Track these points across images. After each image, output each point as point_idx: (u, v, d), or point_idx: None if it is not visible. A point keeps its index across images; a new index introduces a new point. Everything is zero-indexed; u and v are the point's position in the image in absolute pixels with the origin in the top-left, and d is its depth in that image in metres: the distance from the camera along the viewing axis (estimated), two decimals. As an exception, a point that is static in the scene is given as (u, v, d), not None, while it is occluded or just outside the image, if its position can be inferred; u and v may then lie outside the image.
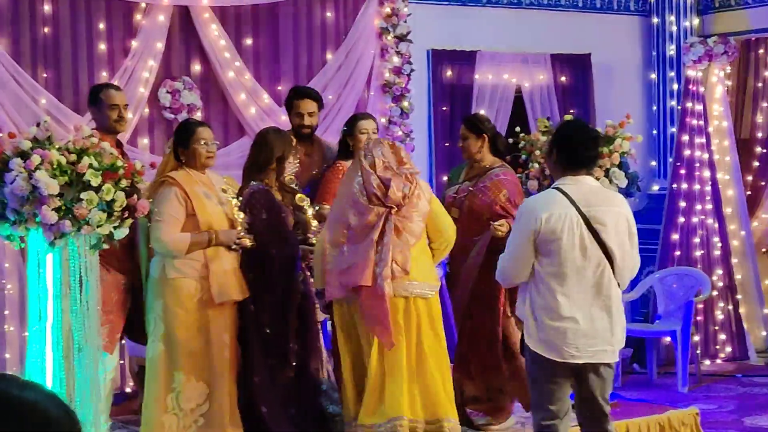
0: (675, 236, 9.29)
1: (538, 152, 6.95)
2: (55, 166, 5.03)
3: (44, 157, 5.02)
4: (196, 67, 7.81)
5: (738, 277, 9.52)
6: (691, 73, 9.40)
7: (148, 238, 5.70)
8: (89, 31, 7.43)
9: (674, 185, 9.38)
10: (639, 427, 6.68)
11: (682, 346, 8.34)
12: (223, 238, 5.58)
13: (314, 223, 6.10)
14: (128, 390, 7.38)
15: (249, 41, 7.98)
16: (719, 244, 9.38)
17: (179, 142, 5.70)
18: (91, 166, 5.09)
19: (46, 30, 7.31)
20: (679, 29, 9.79)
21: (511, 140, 7.19)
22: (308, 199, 6.14)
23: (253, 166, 5.93)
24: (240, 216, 5.70)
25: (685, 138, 9.39)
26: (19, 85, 7.14)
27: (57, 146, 5.14)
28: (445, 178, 8.88)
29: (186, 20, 7.72)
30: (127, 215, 5.26)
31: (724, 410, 7.78)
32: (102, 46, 7.47)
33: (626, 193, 7.11)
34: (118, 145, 6.10)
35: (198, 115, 7.64)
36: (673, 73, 9.85)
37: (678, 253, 9.28)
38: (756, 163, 9.93)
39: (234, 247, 5.63)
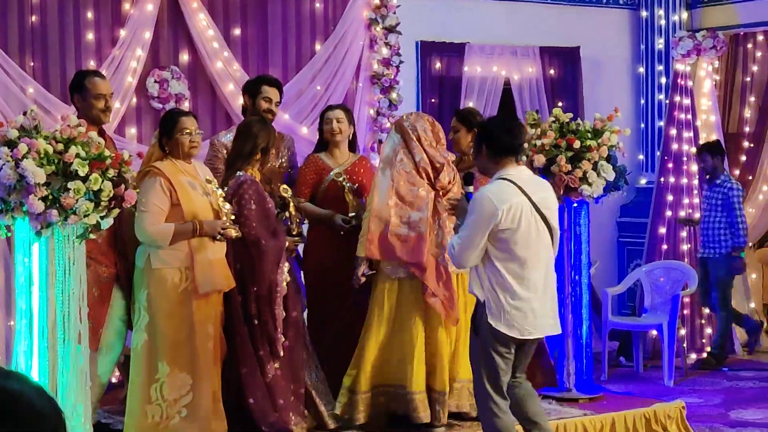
0: (662, 230, 9.31)
1: (526, 145, 6.93)
2: (42, 155, 5.00)
3: (31, 146, 5.00)
4: (185, 57, 7.78)
5: (724, 271, 9.53)
6: (679, 67, 9.42)
7: (137, 228, 5.68)
8: (77, 20, 7.39)
9: (662, 179, 9.40)
10: (625, 420, 6.70)
11: (669, 340, 8.37)
12: (207, 229, 5.56)
13: (296, 213, 6.13)
14: (114, 380, 7.36)
15: (237, 31, 7.96)
16: (706, 238, 9.40)
17: (163, 132, 5.69)
18: (78, 155, 5.06)
19: (33, 19, 7.27)
20: (668, 23, 9.80)
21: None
22: (291, 190, 6.15)
23: (238, 156, 5.91)
24: (225, 206, 5.69)
25: (673, 132, 9.40)
26: (7, 74, 7.10)
27: (44, 135, 5.11)
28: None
29: (174, 10, 7.68)
30: (114, 205, 5.24)
31: (709, 404, 7.81)
32: (90, 36, 7.43)
33: (614, 186, 7.12)
34: (101, 133, 6.06)
35: (186, 105, 7.61)
36: (661, 67, 9.87)
37: (665, 246, 9.30)
38: (743, 158, 9.96)
39: (219, 237, 5.61)
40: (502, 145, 5.16)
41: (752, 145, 9.93)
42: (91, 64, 7.34)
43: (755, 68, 9.94)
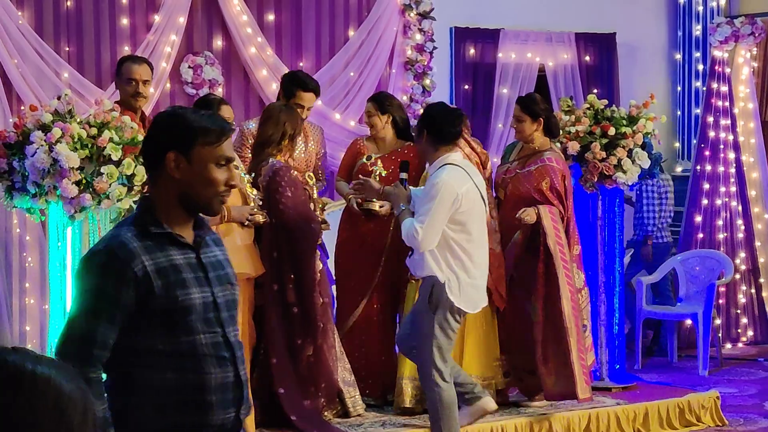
0: (698, 218, 9.22)
1: (560, 132, 6.88)
2: (75, 140, 5.03)
3: (65, 130, 5.02)
4: (218, 43, 7.79)
5: (761, 260, 9.44)
6: (717, 53, 9.31)
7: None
8: (112, 5, 7.41)
9: (698, 167, 9.30)
10: (658, 409, 6.65)
11: (704, 329, 8.29)
12: (235, 215, 5.55)
13: (325, 200, 6.16)
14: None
15: (271, 17, 7.95)
16: (743, 227, 9.31)
17: None
18: (111, 140, 5.09)
19: (69, 4, 7.29)
20: (706, 9, 9.68)
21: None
22: (314, 177, 6.15)
23: (267, 142, 5.88)
24: (253, 192, 5.68)
25: (710, 119, 9.31)
26: (42, 58, 7.14)
27: (78, 120, 5.14)
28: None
29: (208, -5, 7.69)
30: (147, 189, 5.25)
31: (745, 394, 7.73)
32: (124, 21, 7.45)
33: (649, 173, 7.06)
34: (142, 119, 6.08)
35: (219, 91, 7.62)
36: (698, 54, 9.76)
37: (701, 235, 9.22)
38: (781, 146, 9.83)
39: (247, 223, 5.60)
40: (444, 132, 5.41)
41: (790, 133, 9.80)
42: (126, 50, 7.36)
43: (794, 55, 9.80)
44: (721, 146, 9.28)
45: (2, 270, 6.95)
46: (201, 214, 2.91)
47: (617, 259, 7.23)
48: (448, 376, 5.46)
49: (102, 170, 5.06)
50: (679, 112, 9.93)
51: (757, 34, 9.35)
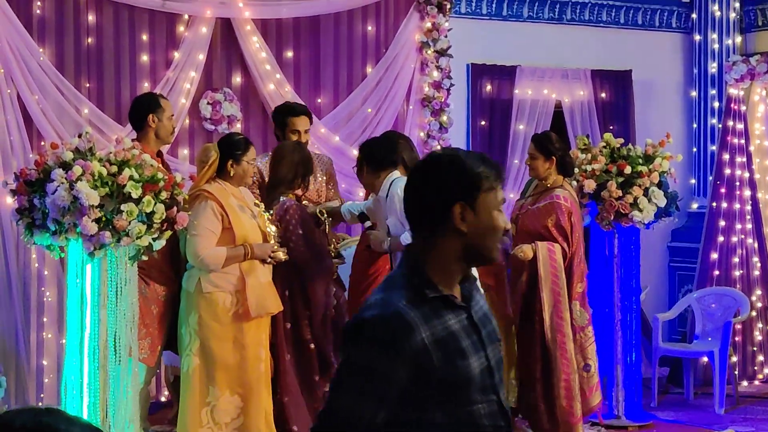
0: (714, 255, 9.21)
1: (577, 170, 6.91)
2: (96, 177, 5.07)
3: (86, 168, 5.07)
4: (237, 79, 7.86)
5: (777, 298, 9.41)
6: (733, 91, 9.32)
7: (188, 250, 5.73)
8: (132, 41, 7.50)
9: (714, 204, 9.30)
10: (674, 448, 6.63)
11: (720, 367, 8.26)
12: (258, 252, 5.58)
13: (342, 236, 6.21)
14: (163, 399, 7.42)
15: (290, 54, 8.02)
16: (759, 264, 9.29)
17: (232, 157, 5.68)
18: (131, 177, 5.13)
19: (89, 40, 7.38)
20: (722, 47, 9.71)
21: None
22: (326, 212, 6.19)
23: (280, 182, 5.92)
24: (272, 229, 5.71)
25: (726, 156, 9.31)
26: (62, 94, 7.21)
27: (98, 157, 5.19)
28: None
29: (228, 32, 7.77)
30: (166, 227, 5.29)
31: (761, 433, 7.69)
32: (145, 57, 7.53)
33: (665, 212, 7.07)
34: (159, 155, 6.15)
35: (238, 127, 7.68)
36: (714, 91, 9.78)
37: (717, 272, 9.19)
38: (798, 183, 9.82)
39: (269, 260, 5.64)
40: (380, 159, 5.89)
41: (807, 170, 9.79)
42: (146, 86, 7.43)
43: (810, 93, 9.80)
44: (737, 183, 9.27)
45: (21, 304, 7.00)
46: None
47: (633, 297, 7.23)
48: None
49: (122, 208, 5.10)
50: (695, 149, 9.94)
51: (773, 72, 9.37)
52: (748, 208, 9.31)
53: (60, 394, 5.59)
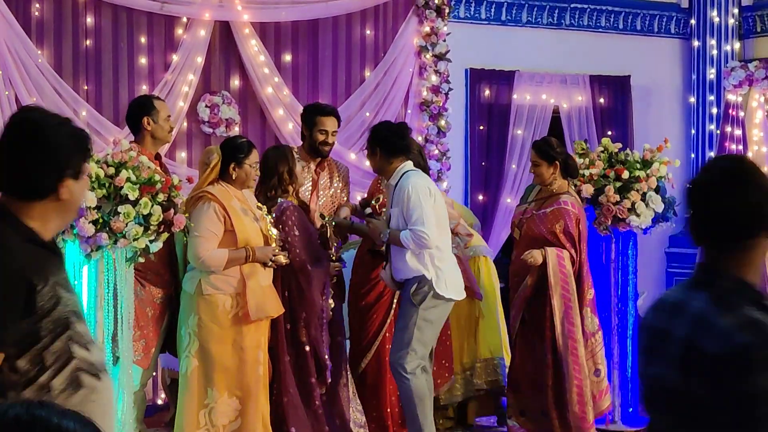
0: (711, 261, 9.21)
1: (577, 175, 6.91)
2: (93, 179, 5.07)
3: (83, 170, 5.06)
4: (235, 82, 7.86)
5: (775, 303, 9.41)
6: (731, 97, 9.33)
7: (185, 252, 5.72)
8: (131, 44, 7.50)
9: (712, 210, 9.29)
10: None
11: (717, 373, 8.25)
12: (259, 255, 5.59)
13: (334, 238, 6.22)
14: (159, 402, 7.41)
15: (288, 57, 8.02)
16: (756, 270, 9.28)
17: (235, 160, 5.68)
18: (128, 179, 5.13)
19: (87, 42, 7.38)
20: (720, 53, 9.72)
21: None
22: (327, 216, 6.20)
23: (272, 188, 5.95)
24: (274, 232, 5.71)
25: (724, 162, 9.30)
26: (60, 96, 7.21)
27: (96, 159, 5.19)
28: (481, 198, 8.90)
29: (226, 35, 7.77)
30: (163, 229, 5.29)
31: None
32: (143, 60, 7.53)
33: (663, 217, 7.07)
34: (157, 157, 6.14)
35: (236, 130, 7.68)
36: (712, 97, 9.78)
37: (714, 278, 9.19)
38: (795, 189, 9.81)
39: (270, 264, 5.63)
40: (395, 146, 5.98)
41: (804, 176, 9.78)
42: (144, 88, 7.43)
43: (808, 99, 9.81)
44: (735, 189, 9.27)
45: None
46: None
47: (630, 301, 7.23)
48: (414, 368, 5.86)
49: (119, 209, 5.10)
50: (693, 155, 9.94)
51: (771, 78, 9.38)
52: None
53: (56, 396, 5.57)
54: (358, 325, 6.58)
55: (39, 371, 2.70)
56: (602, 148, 7.06)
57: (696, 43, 9.89)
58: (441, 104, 8.41)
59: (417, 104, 8.42)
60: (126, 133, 6.67)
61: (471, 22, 8.98)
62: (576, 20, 9.48)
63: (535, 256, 6.29)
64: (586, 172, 6.92)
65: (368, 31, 8.29)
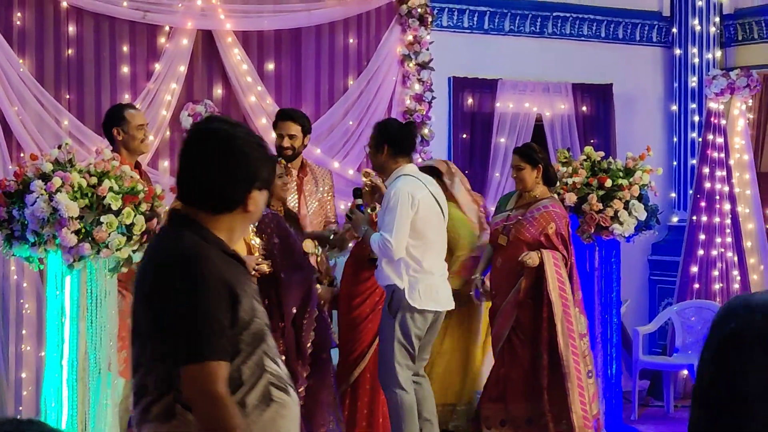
0: (694, 269, 9.24)
1: (557, 183, 6.92)
2: (75, 189, 5.05)
3: (65, 179, 5.05)
4: (218, 91, 7.84)
5: (757, 311, 9.43)
6: (712, 105, 9.37)
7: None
8: (113, 53, 7.47)
9: (694, 217, 9.33)
10: (655, 461, 6.63)
11: (700, 380, 8.27)
12: None
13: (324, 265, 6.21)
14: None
15: (271, 66, 8.01)
16: (738, 278, 9.32)
17: None
18: (111, 189, 5.11)
19: (69, 52, 7.35)
20: (702, 61, 9.77)
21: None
22: (315, 245, 6.18)
23: None
24: (256, 241, 5.69)
25: (706, 170, 9.35)
26: (42, 105, 7.18)
27: (78, 169, 5.16)
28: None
29: (209, 44, 7.75)
30: (146, 239, 5.27)
31: (741, 446, 7.69)
32: (125, 69, 7.51)
33: (645, 225, 7.09)
34: (137, 166, 6.12)
35: (219, 139, 7.65)
36: (694, 105, 9.82)
37: (697, 286, 9.22)
38: (777, 197, 9.87)
39: (253, 273, 5.61)
40: (404, 145, 5.92)
41: (786, 184, 9.84)
42: (126, 98, 7.41)
43: (789, 107, 9.86)
44: (717, 197, 9.31)
45: (-1, 316, 6.95)
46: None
47: (614, 309, 7.25)
48: (405, 383, 5.80)
49: (101, 219, 5.08)
50: (675, 163, 9.98)
51: (752, 86, 9.42)
52: (728, 221, 9.35)
53: (39, 407, 5.55)
54: (351, 335, 6.53)
55: (236, 386, 2.64)
56: (585, 157, 7.08)
57: (678, 52, 9.93)
58: (424, 113, 8.41)
59: (400, 113, 8.42)
60: (108, 143, 6.64)
61: (454, 31, 9.00)
62: (558, 29, 9.51)
63: (532, 257, 6.26)
64: (569, 181, 6.93)
65: (351, 40, 8.29)
